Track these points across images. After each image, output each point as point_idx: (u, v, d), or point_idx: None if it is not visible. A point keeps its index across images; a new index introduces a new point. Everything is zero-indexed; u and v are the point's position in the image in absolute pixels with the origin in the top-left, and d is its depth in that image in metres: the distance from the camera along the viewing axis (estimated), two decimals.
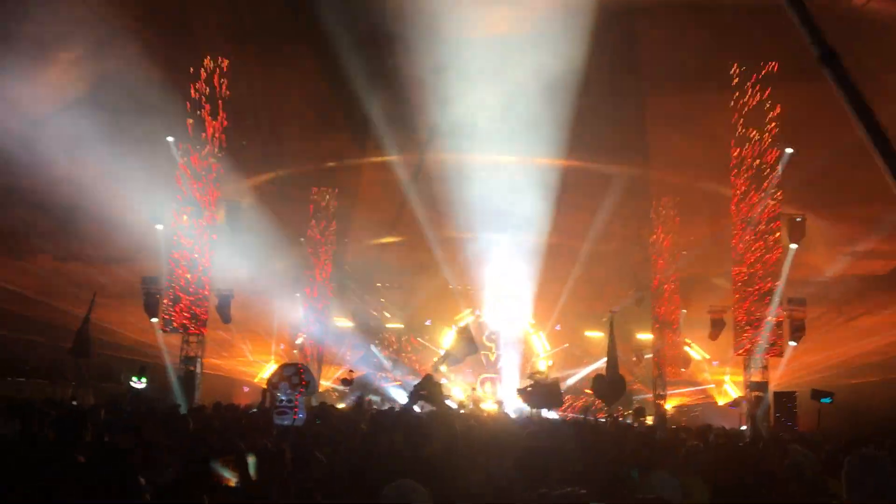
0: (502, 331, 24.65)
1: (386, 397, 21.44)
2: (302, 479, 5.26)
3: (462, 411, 14.09)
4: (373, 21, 14.65)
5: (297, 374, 7.94)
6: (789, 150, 15.02)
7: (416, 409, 7.00)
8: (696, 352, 22.94)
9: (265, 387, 12.78)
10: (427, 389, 6.33)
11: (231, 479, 4.54)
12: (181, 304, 15.88)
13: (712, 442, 9.17)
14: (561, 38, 13.82)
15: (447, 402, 8.02)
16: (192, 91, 15.97)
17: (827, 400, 12.68)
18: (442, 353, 17.05)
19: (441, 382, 6.60)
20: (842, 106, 2.02)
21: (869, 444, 6.50)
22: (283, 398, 7.66)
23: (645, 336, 23.26)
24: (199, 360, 16.33)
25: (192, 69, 16.09)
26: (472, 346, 16.80)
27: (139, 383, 14.42)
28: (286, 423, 7.49)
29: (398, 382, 24.27)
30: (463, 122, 16.55)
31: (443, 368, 18.88)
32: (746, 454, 7.97)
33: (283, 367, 8.50)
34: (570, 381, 23.19)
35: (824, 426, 13.70)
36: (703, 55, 14.53)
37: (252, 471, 4.71)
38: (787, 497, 5.99)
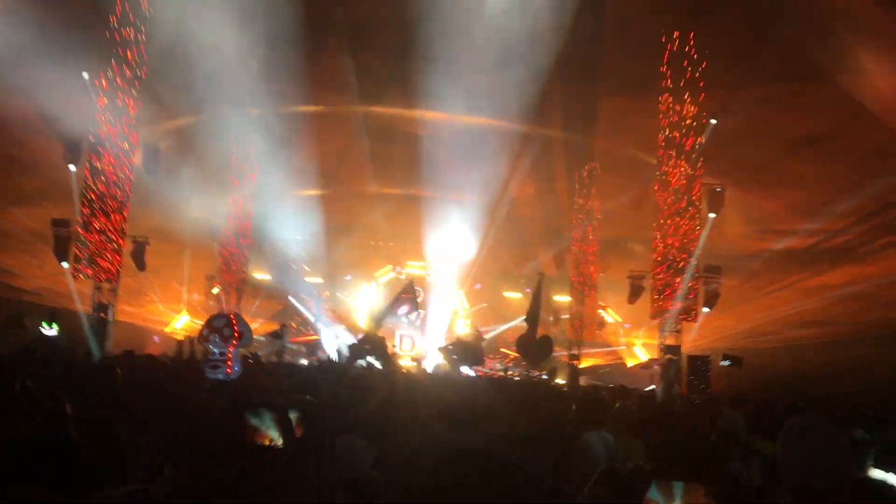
0: (421, 288, 24.75)
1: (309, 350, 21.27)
2: None
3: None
4: None
5: (228, 326, 7.62)
6: (713, 122, 15.38)
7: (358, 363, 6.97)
8: (610, 315, 23.61)
9: (180, 338, 12.42)
10: (372, 344, 6.27)
11: (274, 438, 4.03)
12: (94, 249, 15.16)
13: (636, 402, 9.47)
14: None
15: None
16: (115, 26, 15.05)
17: (729, 362, 13.21)
18: (380, 306, 16.86)
19: (383, 337, 6.58)
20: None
21: (802, 409, 6.83)
22: (216, 351, 7.33)
23: (561, 298, 23.77)
24: (111, 307, 15.70)
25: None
26: (413, 302, 16.84)
27: (50, 329, 13.73)
28: (220, 377, 7.20)
29: (314, 337, 24.12)
30: (404, 75, 16.28)
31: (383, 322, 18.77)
32: (672, 415, 8.27)
33: (212, 318, 8.12)
34: (488, 336, 23.56)
35: (732, 390, 14.37)
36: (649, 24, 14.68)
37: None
38: (717, 455, 6.21)
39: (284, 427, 4.04)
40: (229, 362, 7.32)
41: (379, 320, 17.84)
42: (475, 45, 15.22)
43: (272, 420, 4.01)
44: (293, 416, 4.16)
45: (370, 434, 5.07)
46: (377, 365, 7.59)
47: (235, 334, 7.62)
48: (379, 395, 5.72)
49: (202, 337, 7.82)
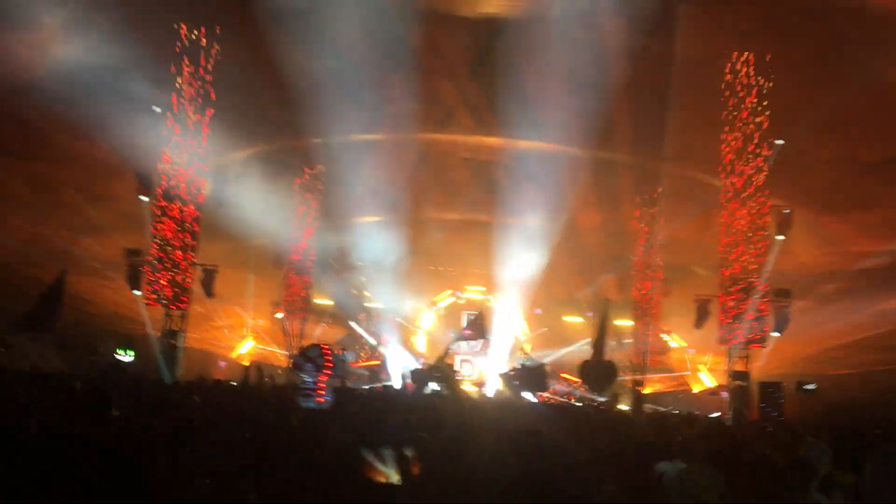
0: (482, 313, 24.74)
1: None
2: None
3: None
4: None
5: (321, 356, 7.74)
6: (779, 142, 15.10)
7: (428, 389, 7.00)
8: (674, 340, 23.15)
9: (245, 363, 12.66)
10: (441, 372, 6.29)
11: (389, 474, 4.00)
12: (165, 278, 15.62)
13: (704, 430, 9.24)
14: (578, 23, 13.75)
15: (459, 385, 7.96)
16: (182, 63, 15.61)
17: (811, 388, 12.82)
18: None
19: (451, 364, 6.57)
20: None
21: (881, 438, 6.58)
22: (309, 380, 7.44)
23: (624, 323, 23.43)
24: (181, 333, 16.11)
25: (178, 43, 15.74)
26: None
27: (125, 356, 14.14)
28: (312, 405, 7.29)
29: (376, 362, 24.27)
30: (457, 104, 16.44)
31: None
32: (745, 444, 8.04)
33: (307, 348, 8.32)
34: (547, 360, 23.35)
35: (805, 417, 13.94)
36: (700, 42, 14.55)
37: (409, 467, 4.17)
38: (792, 485, 6.01)
39: (402, 464, 4.01)
40: (321, 391, 7.42)
41: (448, 352, 17.87)
42: (540, 69, 15.30)
43: (390, 457, 3.98)
44: (409, 452, 4.13)
45: (442, 460, 5.08)
46: (443, 391, 7.60)
47: (328, 364, 7.72)
48: (449, 423, 5.72)
49: (296, 366, 7.96)
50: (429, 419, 5.54)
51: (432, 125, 17.90)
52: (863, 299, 17.07)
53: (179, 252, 15.74)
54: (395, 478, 3.95)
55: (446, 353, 16.95)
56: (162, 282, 15.60)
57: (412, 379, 8.18)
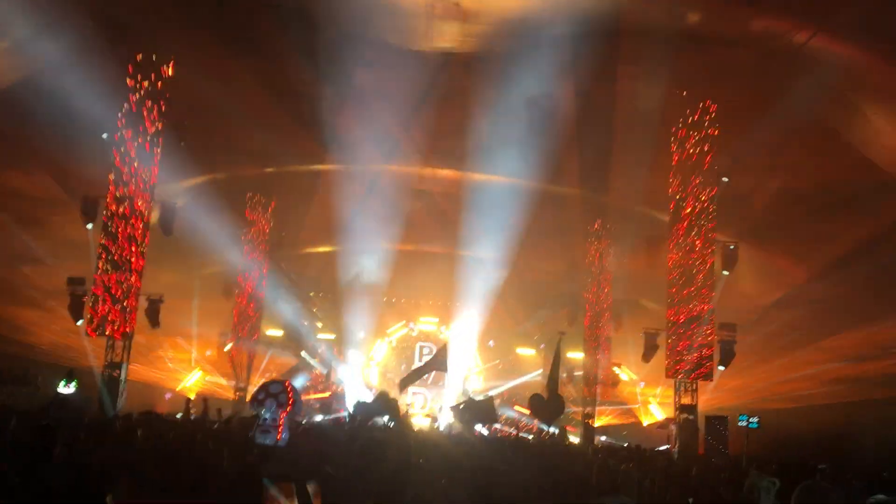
0: (433, 346, 24.72)
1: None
2: None
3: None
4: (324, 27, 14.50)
5: (284, 392, 7.62)
6: (724, 179, 15.43)
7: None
8: (624, 373, 23.35)
9: (191, 395, 12.38)
10: (385, 405, 6.20)
11: None
12: (108, 308, 15.21)
13: (656, 465, 9.29)
14: (531, 60, 13.97)
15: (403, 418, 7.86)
16: (133, 89, 15.36)
17: (754, 425, 12.99)
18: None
19: (395, 399, 6.50)
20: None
21: (815, 473, 6.70)
22: (268, 416, 7.31)
23: (575, 354, 23.59)
24: (124, 365, 15.66)
25: (130, 66, 15.50)
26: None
27: (68, 388, 13.65)
28: (268, 442, 7.15)
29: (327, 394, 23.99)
30: (408, 137, 16.51)
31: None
32: (691, 478, 8.09)
33: (268, 383, 8.19)
34: (495, 391, 23.37)
35: (750, 450, 14.11)
36: (646, 83, 14.88)
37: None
38: None
39: (302, 497, 3.96)
40: (280, 428, 7.29)
41: (406, 386, 17.68)
42: (492, 104, 15.49)
43: (292, 491, 3.94)
44: (311, 487, 4.07)
45: (386, 500, 5.01)
46: (390, 424, 7.51)
47: (290, 401, 7.60)
48: (393, 459, 5.64)
49: (257, 401, 7.81)
50: (371, 453, 5.45)
51: (384, 156, 17.91)
52: (807, 334, 17.46)
53: (124, 281, 15.34)
54: None
55: (402, 388, 16.75)
56: (104, 312, 15.17)
57: (356, 412, 8.06)
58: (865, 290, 15.25)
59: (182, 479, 5.23)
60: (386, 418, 7.51)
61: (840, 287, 15.89)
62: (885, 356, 16.36)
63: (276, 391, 7.61)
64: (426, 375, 20.88)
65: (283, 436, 7.27)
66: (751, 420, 12.87)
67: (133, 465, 5.33)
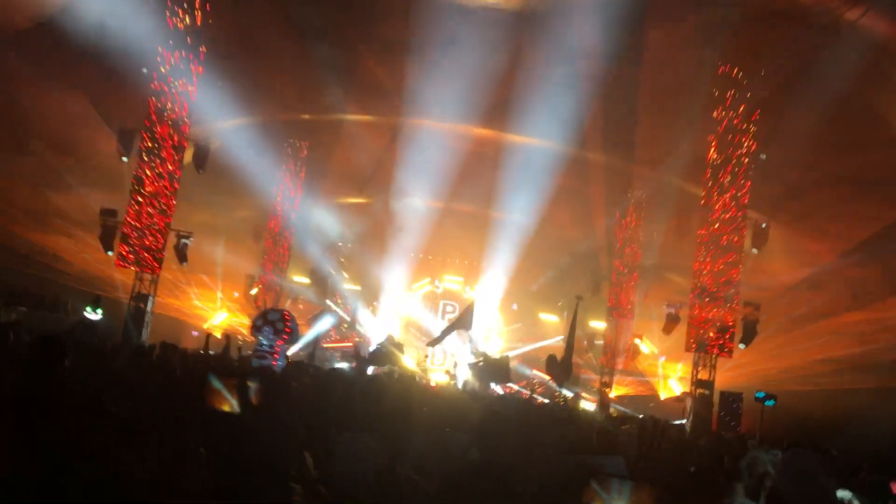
0: (456, 304, 24.89)
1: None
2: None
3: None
4: None
5: (282, 321, 7.80)
6: (762, 156, 15.15)
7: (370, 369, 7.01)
8: (645, 345, 23.26)
9: (217, 334, 12.64)
10: (387, 348, 6.28)
11: (231, 403, 4.43)
12: (139, 240, 15.50)
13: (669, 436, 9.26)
14: (559, 18, 13.76)
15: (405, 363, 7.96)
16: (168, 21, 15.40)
17: (771, 402, 12.88)
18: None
19: (401, 343, 6.58)
20: None
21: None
22: (265, 342, 7.52)
23: (597, 323, 23.56)
24: (151, 298, 15.99)
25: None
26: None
27: (94, 314, 14.00)
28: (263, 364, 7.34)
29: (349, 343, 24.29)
30: (444, 92, 16.40)
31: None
32: (693, 450, 8.10)
33: (268, 310, 8.36)
34: (514, 353, 23.53)
35: (765, 429, 14.02)
36: (691, 53, 14.60)
37: (253, 396, 4.59)
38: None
39: (241, 394, 4.44)
40: (276, 355, 7.48)
41: (434, 344, 17.86)
42: (531, 65, 15.31)
43: (232, 386, 4.42)
44: (253, 384, 4.56)
45: (381, 434, 5.10)
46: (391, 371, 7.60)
47: (287, 330, 7.77)
48: (393, 398, 5.72)
49: (255, 327, 7.99)
50: (370, 394, 5.55)
51: (411, 108, 17.82)
52: (832, 317, 17.21)
53: (156, 215, 15.60)
54: (235, 405, 4.45)
55: (433, 345, 16.92)
56: (135, 244, 15.46)
57: (356, 358, 8.19)
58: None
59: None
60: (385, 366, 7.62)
61: (870, 268, 15.60)
62: None
63: (274, 318, 7.76)
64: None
65: (278, 362, 7.43)
66: (768, 397, 12.73)
67: (128, 382, 5.54)
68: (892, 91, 13.10)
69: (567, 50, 14.25)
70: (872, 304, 16.36)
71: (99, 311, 14.20)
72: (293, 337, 7.94)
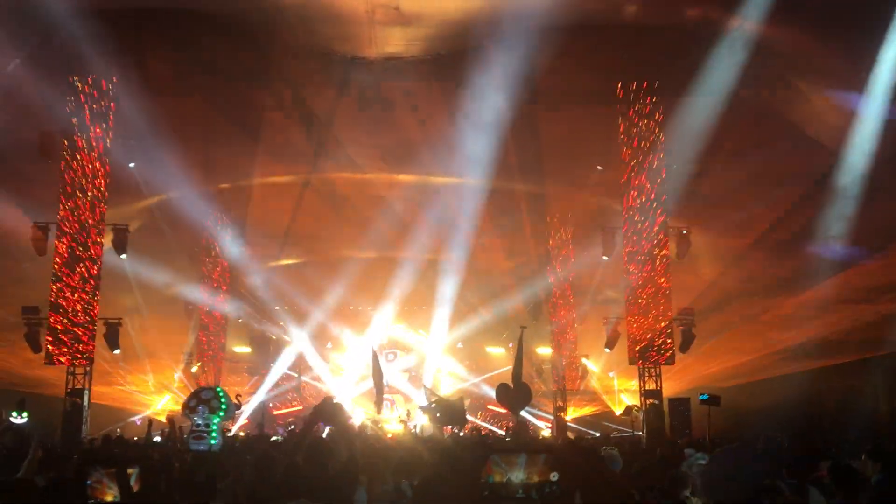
0: (398, 351, 24.90)
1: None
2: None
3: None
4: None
5: (216, 398, 7.65)
6: (674, 166, 15.66)
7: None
8: (593, 363, 23.53)
9: (166, 417, 12.31)
10: (327, 410, 6.18)
11: (110, 493, 4.47)
12: (67, 334, 15.02)
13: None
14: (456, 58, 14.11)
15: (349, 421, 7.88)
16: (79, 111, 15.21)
17: (704, 396, 13.03)
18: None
19: (340, 403, 6.50)
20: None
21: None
22: (200, 422, 7.35)
23: (544, 350, 23.74)
24: (86, 392, 15.48)
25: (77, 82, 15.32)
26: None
27: (19, 418, 13.44)
28: (202, 447, 7.19)
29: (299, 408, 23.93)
30: (356, 139, 16.58)
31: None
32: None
33: (200, 389, 8.18)
34: (464, 385, 23.60)
35: (714, 429, 14.28)
36: (591, 75, 15.10)
37: (133, 483, 4.61)
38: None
39: (121, 482, 4.51)
40: (213, 434, 7.33)
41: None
42: (443, 107, 15.62)
43: (112, 475, 4.50)
44: (133, 471, 4.64)
45: (329, 499, 5.05)
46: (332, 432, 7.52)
47: (222, 406, 7.64)
48: (339, 460, 5.67)
49: (189, 408, 7.81)
50: (316, 457, 5.49)
51: (336, 164, 17.93)
52: (768, 311, 17.74)
53: (81, 305, 15.16)
54: (115, 494, 4.52)
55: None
56: (64, 338, 14.99)
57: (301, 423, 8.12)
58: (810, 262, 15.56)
59: None
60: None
61: (787, 261, 16.21)
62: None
63: (208, 397, 7.64)
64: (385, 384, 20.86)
65: (216, 441, 7.30)
66: (711, 399, 12.96)
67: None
68: (784, 88, 13.81)
69: (478, 89, 14.60)
70: (804, 291, 16.86)
71: (25, 414, 13.62)
72: (228, 412, 7.81)
